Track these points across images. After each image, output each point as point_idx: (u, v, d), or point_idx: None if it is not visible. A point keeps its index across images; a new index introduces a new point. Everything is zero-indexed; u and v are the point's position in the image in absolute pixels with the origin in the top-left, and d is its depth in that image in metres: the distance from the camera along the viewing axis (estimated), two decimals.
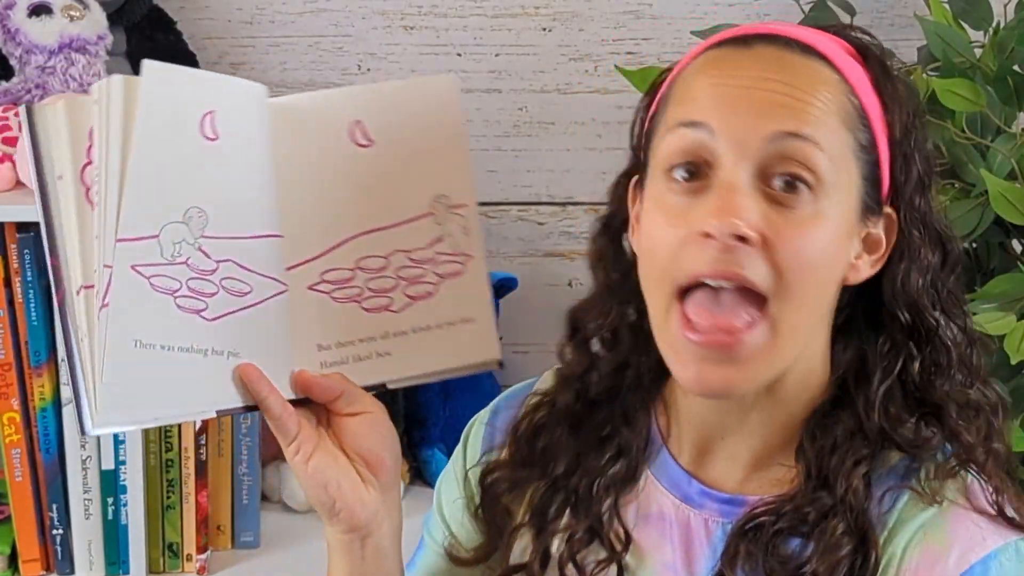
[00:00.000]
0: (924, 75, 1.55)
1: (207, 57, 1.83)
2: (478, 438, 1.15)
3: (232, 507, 1.67)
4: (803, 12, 1.72)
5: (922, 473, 0.97)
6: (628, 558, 1.04)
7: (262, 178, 1.01)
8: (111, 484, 1.58)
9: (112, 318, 0.94)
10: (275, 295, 1.01)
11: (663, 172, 0.96)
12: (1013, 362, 1.41)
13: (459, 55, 1.84)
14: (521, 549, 1.09)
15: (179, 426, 1.58)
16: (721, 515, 1.02)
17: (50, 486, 1.58)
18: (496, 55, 1.85)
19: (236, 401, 1.00)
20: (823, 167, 0.92)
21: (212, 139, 0.98)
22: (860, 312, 1.01)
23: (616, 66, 1.68)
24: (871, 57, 0.99)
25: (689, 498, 1.04)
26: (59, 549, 1.60)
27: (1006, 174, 1.48)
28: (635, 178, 1.04)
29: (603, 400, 1.07)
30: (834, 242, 0.94)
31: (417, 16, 1.83)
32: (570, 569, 1.05)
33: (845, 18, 1.70)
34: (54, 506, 1.59)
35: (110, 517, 1.59)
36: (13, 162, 1.55)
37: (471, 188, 1.07)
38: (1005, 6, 1.64)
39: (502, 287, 1.81)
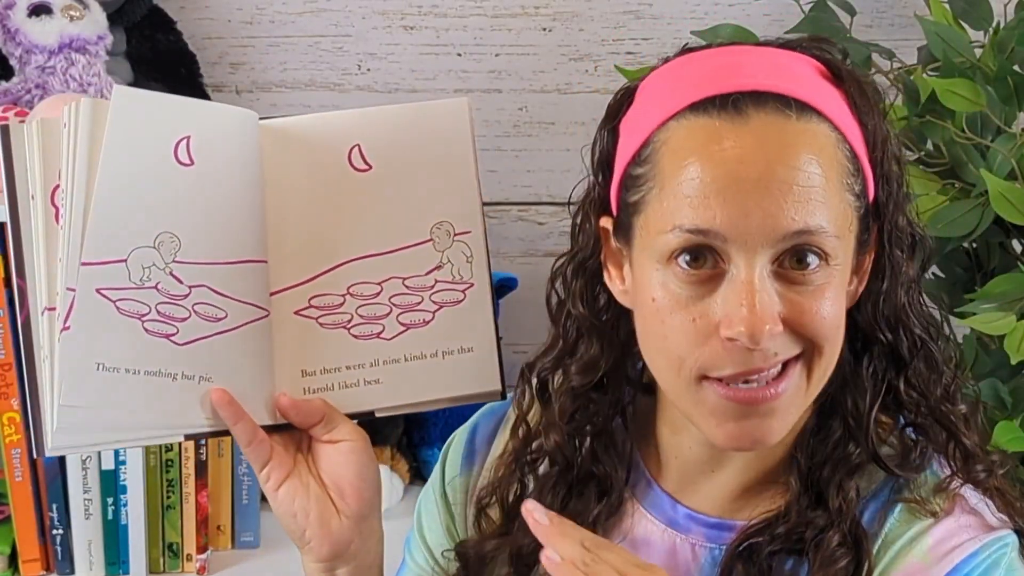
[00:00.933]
0: (924, 75, 1.55)
1: (207, 57, 1.83)
2: (457, 456, 1.13)
3: (232, 507, 1.67)
4: (803, 12, 1.72)
5: (916, 486, 0.97)
6: None
7: (246, 203, 1.00)
8: (111, 484, 1.58)
9: (73, 340, 0.94)
10: (253, 320, 1.00)
11: (662, 258, 0.92)
12: (1013, 362, 1.41)
13: (459, 55, 1.84)
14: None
15: None
16: (708, 539, 1.00)
17: (50, 486, 1.58)
18: (496, 55, 1.85)
19: (206, 426, 0.99)
20: (832, 246, 0.91)
21: (187, 164, 0.97)
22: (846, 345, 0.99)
23: (616, 66, 1.68)
24: (845, 77, 0.96)
25: (675, 523, 1.02)
26: (59, 549, 1.60)
27: (1006, 174, 1.48)
28: (606, 220, 1.00)
29: (593, 437, 1.04)
30: (842, 294, 0.94)
31: (417, 16, 1.83)
32: None
33: (845, 18, 1.70)
34: (54, 506, 1.59)
35: (110, 517, 1.59)
36: None
37: (477, 214, 1.05)
38: (1005, 6, 1.64)
39: (502, 287, 1.81)
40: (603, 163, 1.00)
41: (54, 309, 0.94)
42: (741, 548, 0.97)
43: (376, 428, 1.73)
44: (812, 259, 0.90)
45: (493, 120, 1.87)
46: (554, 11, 1.84)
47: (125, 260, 0.95)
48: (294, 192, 1.01)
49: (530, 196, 1.89)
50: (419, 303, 1.04)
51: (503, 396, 1.07)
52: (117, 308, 0.95)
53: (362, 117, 1.04)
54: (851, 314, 0.97)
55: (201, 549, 1.63)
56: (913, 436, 0.99)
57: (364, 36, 1.84)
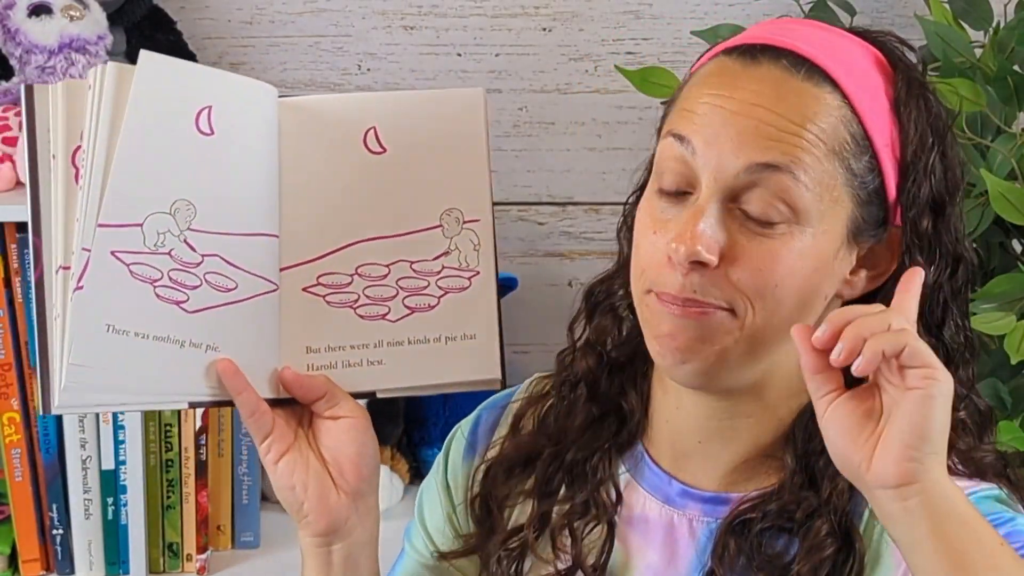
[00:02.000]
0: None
1: (207, 57, 1.83)
2: (460, 446, 1.14)
3: (232, 507, 1.67)
4: (803, 12, 1.72)
5: None
6: (611, 563, 1.04)
7: (262, 177, 1.01)
8: (111, 484, 1.58)
9: (85, 301, 0.94)
10: (263, 293, 1.01)
11: (656, 175, 0.98)
12: (1013, 362, 1.41)
13: (459, 55, 1.84)
14: (521, 516, 1.08)
15: (179, 426, 1.59)
16: (704, 514, 1.02)
17: (50, 486, 1.58)
18: (496, 55, 1.85)
19: (210, 395, 1.00)
20: (800, 197, 0.93)
21: (208, 134, 0.98)
22: None
23: (616, 66, 1.68)
24: (900, 71, 0.98)
25: (671, 499, 1.03)
26: (59, 549, 1.60)
27: (1006, 174, 1.48)
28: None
29: (620, 365, 1.07)
30: (808, 263, 0.94)
31: (417, 16, 1.83)
32: (563, 538, 1.05)
33: (845, 18, 1.70)
34: (54, 506, 1.59)
35: (110, 517, 1.60)
36: (13, 162, 1.55)
37: (486, 204, 1.06)
38: (1005, 6, 1.64)
39: (502, 287, 1.81)
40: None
41: (69, 268, 0.95)
42: (735, 523, 0.98)
43: (376, 428, 1.73)
44: (778, 217, 0.92)
45: (493, 120, 1.85)
46: (554, 11, 1.84)
47: (141, 224, 0.96)
48: (309, 170, 1.02)
49: (530, 196, 1.89)
50: (425, 287, 1.05)
51: (503, 385, 1.08)
52: (130, 271, 0.96)
53: (379, 100, 1.06)
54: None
55: (201, 549, 1.63)
56: None
57: (364, 36, 1.84)
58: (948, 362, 0.98)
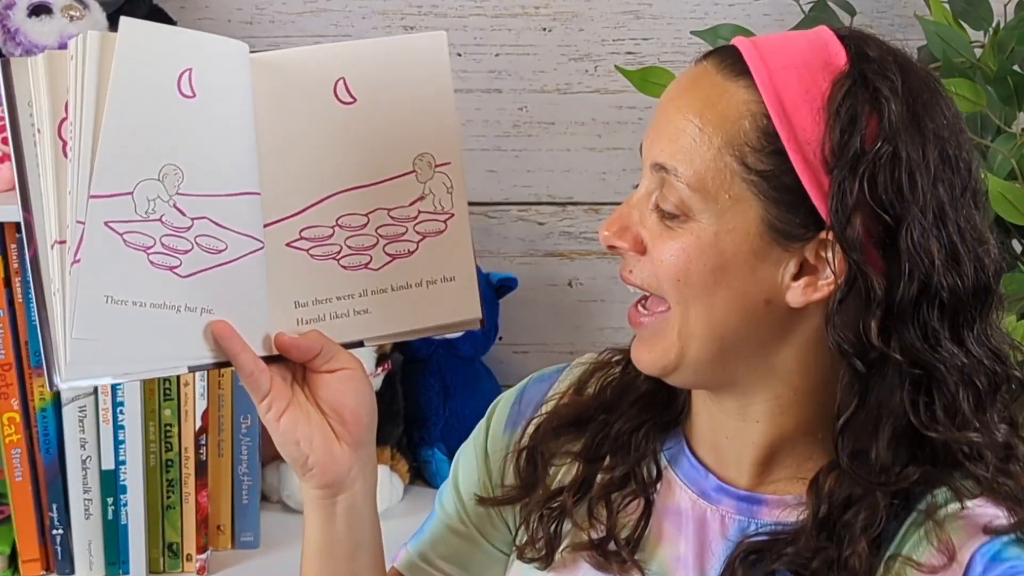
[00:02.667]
0: None
1: None
2: (503, 416, 1.15)
3: (232, 507, 1.67)
4: (803, 12, 1.72)
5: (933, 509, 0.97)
6: (639, 552, 1.05)
7: (241, 135, 1.01)
8: (111, 484, 1.58)
9: (83, 274, 0.94)
10: (251, 252, 1.01)
11: None
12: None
13: (459, 55, 1.84)
14: (565, 477, 1.10)
15: (179, 426, 1.59)
16: (737, 512, 1.02)
17: (50, 486, 1.58)
18: (496, 55, 1.85)
19: (208, 357, 1.00)
20: (683, 196, 0.95)
21: (190, 97, 0.98)
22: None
23: (616, 66, 1.68)
24: (851, 72, 0.94)
25: (706, 493, 1.04)
26: (59, 549, 1.60)
27: (1006, 174, 1.48)
28: None
29: None
30: (711, 261, 0.95)
31: (417, 16, 1.84)
32: (599, 509, 1.07)
33: (845, 18, 1.70)
34: (54, 506, 1.59)
35: (110, 517, 1.60)
36: None
37: (456, 146, 1.07)
38: (1005, 6, 1.64)
39: (502, 287, 1.81)
40: None
41: (64, 242, 0.95)
42: (746, 554, 0.98)
43: (376, 428, 1.73)
44: (675, 208, 0.96)
45: (493, 120, 1.87)
46: (554, 11, 1.84)
47: (131, 192, 0.96)
48: (283, 125, 1.03)
49: (530, 196, 1.89)
50: (404, 234, 1.06)
51: (483, 324, 1.10)
52: (124, 241, 0.96)
53: (346, 51, 1.06)
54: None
55: (201, 549, 1.63)
56: (935, 467, 0.97)
57: (364, 36, 1.84)
58: (925, 388, 0.95)
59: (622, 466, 1.08)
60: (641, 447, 1.08)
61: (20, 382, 1.55)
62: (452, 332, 1.10)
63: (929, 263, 0.93)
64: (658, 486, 1.07)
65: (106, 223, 0.95)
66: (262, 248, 1.02)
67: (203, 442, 1.61)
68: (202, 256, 0.99)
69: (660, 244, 0.97)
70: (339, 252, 1.05)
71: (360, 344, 1.06)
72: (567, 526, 1.09)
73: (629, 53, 1.85)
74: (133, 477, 1.58)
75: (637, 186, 1.00)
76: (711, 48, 1.00)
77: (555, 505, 1.08)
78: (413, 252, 1.06)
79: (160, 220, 0.97)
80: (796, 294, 0.96)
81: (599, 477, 1.07)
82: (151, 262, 0.97)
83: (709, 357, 0.98)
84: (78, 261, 0.94)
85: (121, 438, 1.57)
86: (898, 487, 0.96)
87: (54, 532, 1.60)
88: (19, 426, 1.56)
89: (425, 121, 1.06)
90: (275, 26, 1.84)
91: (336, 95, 1.04)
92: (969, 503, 0.95)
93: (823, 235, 0.94)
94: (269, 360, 1.02)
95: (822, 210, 0.93)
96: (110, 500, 1.59)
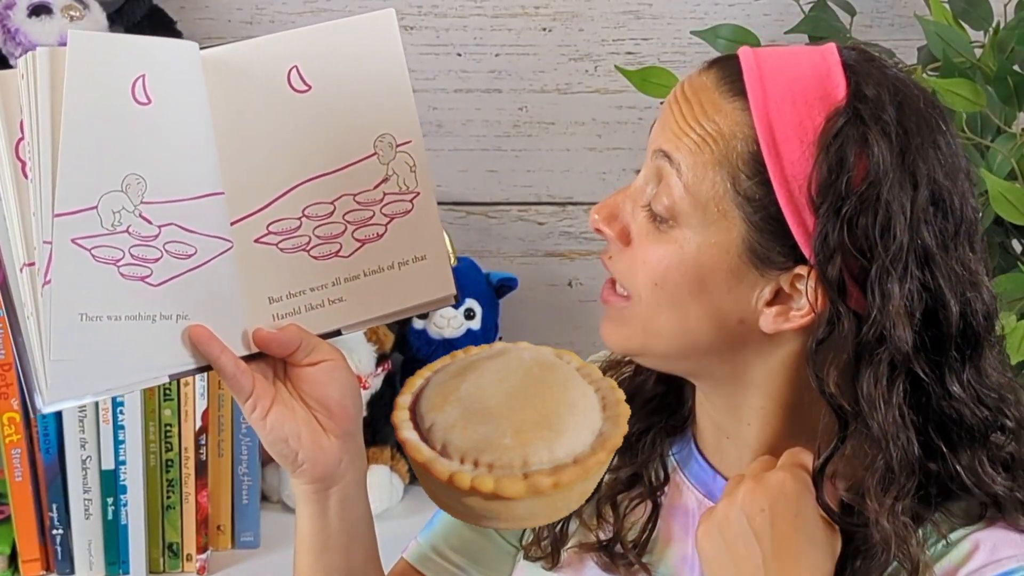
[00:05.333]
0: (924, 75, 1.55)
1: None
2: None
3: (232, 507, 1.67)
4: (803, 12, 1.72)
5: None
6: (647, 555, 1.06)
7: (200, 137, 1.00)
8: (111, 484, 1.58)
9: (55, 294, 0.93)
10: (221, 253, 1.00)
11: None
12: (1013, 362, 1.41)
13: (459, 55, 1.84)
14: None
15: (179, 426, 1.59)
16: None
17: (50, 486, 1.58)
18: (496, 55, 1.85)
19: (189, 363, 0.99)
20: (676, 197, 0.96)
21: (144, 103, 0.96)
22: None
23: (616, 66, 1.68)
24: (848, 108, 0.92)
25: (713, 494, 1.05)
26: (59, 549, 1.60)
27: (1006, 174, 1.48)
28: None
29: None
30: (688, 272, 0.96)
31: (417, 16, 1.83)
32: (607, 510, 1.07)
33: (845, 18, 1.70)
34: (54, 506, 1.59)
35: (110, 517, 1.60)
36: None
37: (415, 124, 1.06)
38: (1005, 6, 1.64)
39: (502, 287, 1.81)
40: None
41: (34, 264, 0.94)
42: None
43: (376, 428, 1.73)
44: (664, 210, 0.96)
45: (493, 120, 1.87)
46: (554, 11, 1.84)
47: (96, 207, 0.95)
48: (241, 120, 1.02)
49: (530, 196, 1.89)
50: (371, 218, 1.05)
51: (456, 299, 1.09)
52: (93, 256, 0.94)
53: (296, 38, 1.04)
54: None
55: (201, 549, 1.63)
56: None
57: None
58: (918, 430, 0.94)
59: (629, 467, 1.08)
60: (648, 450, 1.08)
61: (20, 382, 1.55)
62: (428, 310, 1.09)
63: (897, 308, 0.91)
64: (666, 488, 1.08)
65: (73, 240, 0.94)
66: (231, 247, 1.01)
67: (203, 442, 1.61)
68: (172, 263, 0.98)
69: (644, 244, 0.98)
70: (308, 243, 1.03)
71: (338, 333, 1.05)
72: (574, 525, 1.09)
73: (629, 53, 1.85)
74: (133, 477, 1.58)
75: (639, 171, 1.01)
76: (717, 53, 1.01)
77: None
78: (382, 235, 1.05)
79: (127, 231, 0.96)
80: (768, 320, 0.96)
81: (606, 477, 1.07)
82: (122, 274, 0.96)
83: (678, 354, 1.00)
84: (49, 282, 0.93)
85: (121, 438, 1.57)
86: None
87: (54, 532, 1.60)
88: (19, 426, 1.56)
89: (382, 102, 1.05)
90: (275, 26, 1.84)
91: (290, 84, 1.03)
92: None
93: (800, 269, 0.94)
94: (250, 359, 1.01)
95: (804, 247, 0.93)
96: (110, 500, 1.59)
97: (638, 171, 1.02)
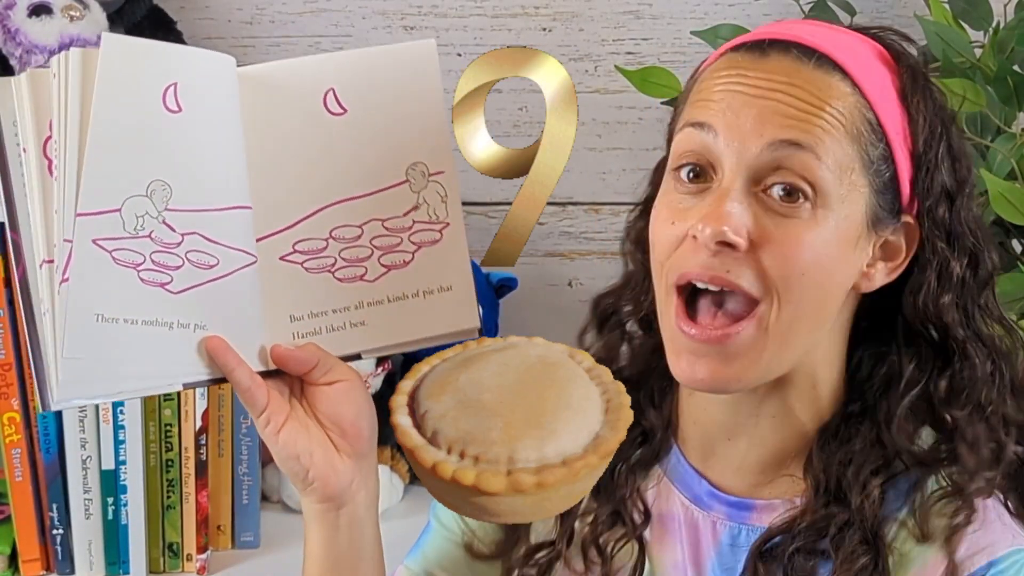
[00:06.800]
0: None
1: None
2: None
3: (232, 507, 1.67)
4: (803, 12, 1.72)
5: (929, 488, 0.99)
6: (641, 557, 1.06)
7: (231, 150, 1.00)
8: (111, 484, 1.58)
9: (72, 293, 0.93)
10: (244, 267, 1.00)
11: (672, 169, 0.99)
12: None
13: (459, 55, 1.84)
14: (545, 530, 1.09)
15: (179, 426, 1.58)
16: (728, 518, 1.02)
17: (50, 486, 1.58)
18: None
19: (203, 374, 0.99)
20: (822, 178, 0.93)
21: (175, 111, 0.96)
22: (884, 322, 1.01)
23: (616, 66, 1.68)
24: (903, 64, 1.00)
25: (698, 499, 1.04)
26: (59, 549, 1.60)
27: (1006, 174, 1.48)
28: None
29: (634, 382, 1.07)
30: (832, 251, 0.95)
31: (417, 16, 1.83)
32: (592, 552, 1.06)
33: (845, 18, 1.70)
34: (54, 506, 1.59)
35: (110, 517, 1.60)
36: None
37: (449, 154, 1.06)
38: (1005, 6, 1.64)
39: (502, 287, 1.81)
40: (668, 129, 1.06)
41: (52, 261, 0.94)
42: (764, 548, 0.99)
43: (377, 439, 1.73)
44: (800, 194, 0.93)
45: (493, 120, 1.86)
46: (554, 11, 1.84)
47: (119, 210, 0.95)
48: (273, 138, 1.02)
49: None
50: (399, 244, 1.05)
51: (481, 334, 1.08)
52: (113, 258, 0.94)
53: (334, 61, 1.04)
54: (896, 303, 1.00)
55: (201, 549, 1.63)
56: (938, 440, 1.00)
57: (364, 36, 1.84)
58: (973, 382, 0.99)
59: (607, 506, 1.07)
60: (622, 488, 1.07)
61: (20, 382, 1.55)
62: (450, 341, 1.07)
63: (979, 243, 1.00)
64: (649, 525, 1.07)
65: (94, 241, 0.94)
66: (255, 262, 1.01)
67: (203, 442, 1.61)
68: (193, 272, 0.97)
69: (785, 237, 0.93)
70: (334, 264, 1.03)
71: (358, 357, 1.05)
72: (558, 568, 1.08)
73: (629, 53, 1.85)
74: (133, 477, 1.58)
75: (692, 175, 0.97)
76: (755, 41, 0.99)
77: (540, 559, 1.08)
78: (409, 262, 1.05)
79: (149, 236, 0.96)
80: (876, 279, 0.99)
81: (579, 523, 1.07)
82: (141, 279, 0.96)
83: (780, 366, 0.98)
84: (67, 280, 0.93)
85: (121, 438, 1.57)
86: (898, 449, 0.99)
87: (54, 532, 1.60)
88: (19, 426, 1.56)
89: (417, 130, 1.05)
90: (275, 26, 1.84)
91: (326, 106, 1.03)
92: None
93: (906, 218, 0.98)
94: (266, 375, 1.01)
95: (906, 195, 0.98)
96: (110, 500, 1.59)
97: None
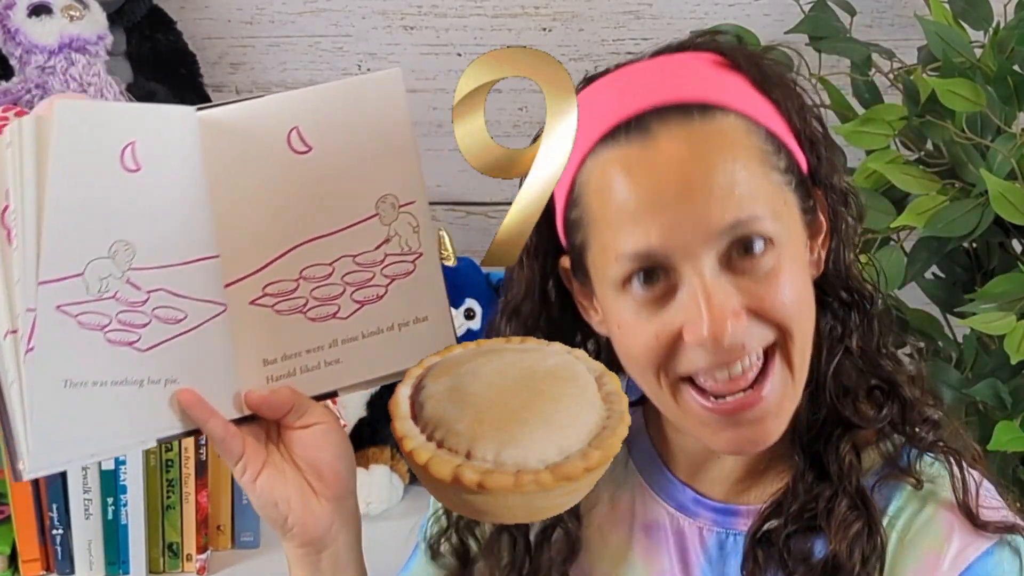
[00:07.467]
0: (924, 75, 1.55)
1: (207, 57, 1.83)
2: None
3: (232, 507, 1.67)
4: (803, 12, 1.72)
5: (909, 461, 1.00)
6: (629, 570, 1.05)
7: (193, 201, 0.98)
8: (111, 484, 1.58)
9: (39, 361, 0.91)
10: (213, 317, 0.99)
11: (616, 286, 0.95)
12: (1013, 362, 1.41)
13: (459, 55, 1.84)
14: None
15: None
16: (715, 524, 1.02)
17: (50, 486, 1.58)
18: None
19: (177, 427, 0.98)
20: (771, 230, 0.92)
21: (134, 170, 0.95)
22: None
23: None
24: (741, 62, 0.98)
25: (683, 507, 1.04)
26: (59, 549, 1.60)
27: (1006, 174, 1.48)
28: (564, 260, 1.03)
29: None
30: (802, 273, 0.96)
31: (417, 16, 1.84)
32: None
33: (845, 18, 1.70)
34: (54, 506, 1.59)
35: (110, 517, 1.60)
36: None
37: (419, 184, 1.04)
38: (1005, 6, 1.64)
39: (502, 287, 1.81)
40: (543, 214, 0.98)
41: (17, 331, 0.92)
42: (758, 536, 0.98)
43: (376, 428, 1.73)
44: (757, 245, 0.92)
45: (493, 120, 1.85)
46: (554, 11, 1.84)
47: (82, 274, 0.93)
48: (237, 182, 1.00)
49: None
50: (371, 279, 1.03)
51: None
52: (78, 323, 0.93)
53: (297, 99, 1.02)
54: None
55: (201, 549, 1.63)
56: (881, 396, 1.02)
57: (364, 36, 1.84)
58: (881, 332, 1.02)
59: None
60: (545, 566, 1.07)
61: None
62: None
63: (853, 193, 1.03)
64: (632, 504, 1.07)
65: (58, 307, 0.92)
66: (224, 310, 0.99)
67: (203, 442, 1.61)
68: (161, 328, 0.96)
69: (769, 289, 0.92)
70: (305, 304, 1.01)
71: (334, 394, 1.03)
72: None
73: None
74: (133, 477, 1.58)
75: (645, 279, 0.93)
76: (634, 119, 0.95)
77: None
78: (382, 296, 1.03)
79: (114, 298, 0.94)
80: (821, 257, 1.00)
81: None
82: (108, 340, 0.94)
83: (799, 395, 0.97)
84: (32, 349, 0.91)
85: None
86: (863, 422, 1.00)
87: (54, 532, 1.60)
88: None
89: (385, 162, 1.03)
90: (275, 26, 1.84)
91: (291, 145, 1.00)
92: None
93: (817, 192, 0.99)
94: (241, 421, 1.00)
95: (807, 172, 0.98)
96: (110, 500, 1.59)
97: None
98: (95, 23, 1.65)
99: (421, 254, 1.04)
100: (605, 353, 1.04)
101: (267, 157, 1.00)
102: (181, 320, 0.97)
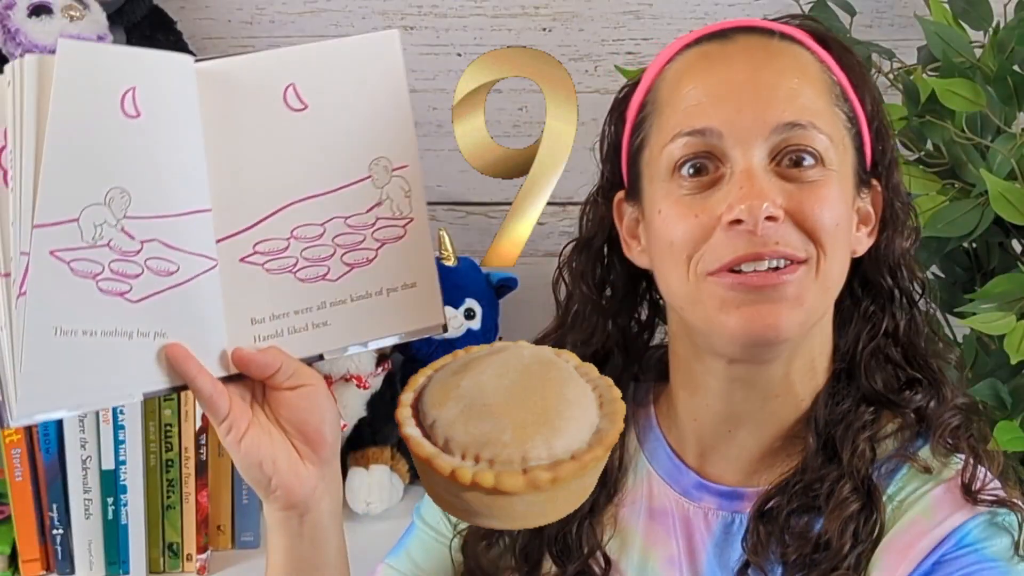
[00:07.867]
0: (924, 75, 1.55)
1: None
2: None
3: (232, 507, 1.67)
4: (803, 12, 1.72)
5: (919, 448, 1.01)
6: (635, 554, 1.06)
7: (190, 152, 0.98)
8: (111, 484, 1.58)
9: (30, 306, 0.91)
10: (204, 271, 0.98)
11: (667, 174, 0.98)
12: (1013, 362, 1.41)
13: (459, 55, 1.84)
14: None
15: (179, 426, 1.59)
16: (720, 508, 1.03)
17: (50, 486, 1.58)
18: None
19: (163, 383, 0.97)
20: (823, 146, 0.97)
21: (134, 116, 0.94)
22: (848, 292, 1.05)
23: (616, 66, 1.68)
24: (830, 41, 1.04)
25: (687, 492, 1.05)
26: (59, 549, 1.60)
27: (1006, 174, 1.48)
28: (620, 194, 1.06)
29: None
30: (845, 206, 0.99)
31: (417, 16, 1.83)
32: None
33: (845, 18, 1.70)
34: (54, 506, 1.59)
35: (110, 517, 1.60)
36: None
37: (413, 149, 1.04)
38: (1005, 6, 1.64)
39: (502, 287, 1.81)
40: (612, 150, 1.07)
41: (9, 275, 0.92)
42: (762, 512, 1.00)
43: (376, 428, 1.73)
44: (807, 158, 0.96)
45: (493, 120, 1.86)
46: (554, 11, 1.84)
47: (77, 219, 0.92)
48: (233, 137, 0.99)
49: None
50: (362, 242, 1.03)
51: (445, 329, 1.07)
52: (71, 269, 0.92)
53: (295, 55, 1.02)
54: (858, 263, 1.03)
55: (201, 549, 1.63)
56: (914, 384, 1.04)
57: None
58: (912, 297, 1.06)
59: (572, 565, 1.07)
60: (583, 545, 1.07)
61: None
62: (415, 338, 1.06)
63: (910, 202, 1.07)
64: (642, 491, 1.07)
65: (52, 252, 0.91)
66: (215, 266, 0.99)
67: (203, 442, 1.61)
68: (153, 279, 0.96)
69: (811, 197, 0.96)
70: (295, 264, 1.01)
71: (320, 358, 1.03)
72: None
73: (629, 53, 1.85)
74: (133, 477, 1.58)
75: (693, 171, 0.97)
76: (711, 32, 1.03)
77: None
78: (372, 260, 1.03)
79: (108, 245, 0.94)
80: (862, 243, 1.03)
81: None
82: (100, 289, 0.93)
83: (819, 312, 1.00)
84: (24, 294, 0.91)
85: (121, 438, 1.57)
86: (881, 401, 1.02)
87: (54, 532, 1.60)
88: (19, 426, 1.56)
89: (380, 124, 1.02)
90: (275, 26, 1.84)
91: (286, 102, 1.00)
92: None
93: (874, 183, 1.04)
94: (228, 380, 0.99)
95: (869, 159, 1.03)
96: (110, 500, 1.59)
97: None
98: (95, 23, 1.65)
99: (412, 219, 1.03)
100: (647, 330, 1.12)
101: (263, 112, 1.00)
102: (173, 273, 0.96)
